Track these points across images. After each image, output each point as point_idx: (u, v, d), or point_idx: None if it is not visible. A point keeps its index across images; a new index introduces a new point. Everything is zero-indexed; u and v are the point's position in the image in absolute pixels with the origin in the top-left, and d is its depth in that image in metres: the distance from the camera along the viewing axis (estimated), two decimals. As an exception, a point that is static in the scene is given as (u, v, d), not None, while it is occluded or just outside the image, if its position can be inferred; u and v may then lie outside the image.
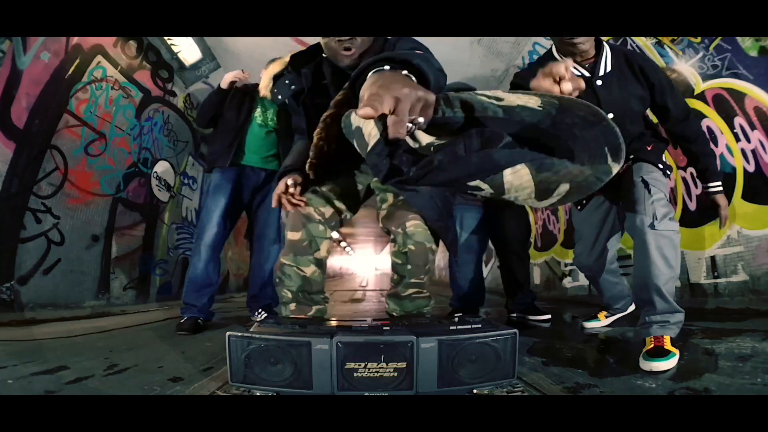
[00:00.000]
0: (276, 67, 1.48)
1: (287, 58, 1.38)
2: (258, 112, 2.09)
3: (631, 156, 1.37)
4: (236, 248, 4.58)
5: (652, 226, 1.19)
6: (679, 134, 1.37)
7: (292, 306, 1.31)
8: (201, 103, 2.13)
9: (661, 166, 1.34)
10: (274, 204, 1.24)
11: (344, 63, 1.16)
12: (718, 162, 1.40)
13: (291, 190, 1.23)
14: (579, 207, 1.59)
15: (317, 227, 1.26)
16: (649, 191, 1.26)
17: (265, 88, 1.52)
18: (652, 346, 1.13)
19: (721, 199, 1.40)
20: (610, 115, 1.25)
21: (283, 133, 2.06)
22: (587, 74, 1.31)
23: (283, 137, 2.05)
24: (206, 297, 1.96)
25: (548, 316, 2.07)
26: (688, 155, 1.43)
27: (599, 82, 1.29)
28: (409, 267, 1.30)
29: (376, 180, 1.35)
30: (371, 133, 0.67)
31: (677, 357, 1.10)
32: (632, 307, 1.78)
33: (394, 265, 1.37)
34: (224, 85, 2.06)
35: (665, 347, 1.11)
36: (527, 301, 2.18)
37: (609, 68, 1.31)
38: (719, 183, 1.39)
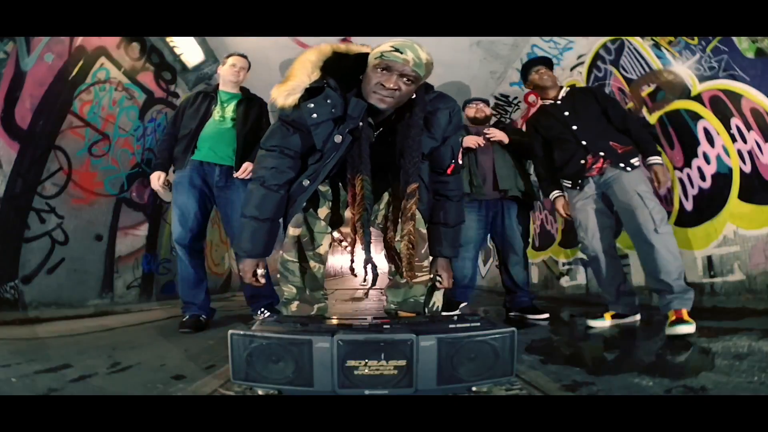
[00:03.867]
0: (309, 67, 1.11)
1: (315, 56, 1.13)
2: (216, 109, 2.05)
3: (601, 154, 1.76)
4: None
5: (656, 231, 1.57)
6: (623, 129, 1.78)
7: (294, 306, 1.33)
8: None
9: (636, 164, 1.70)
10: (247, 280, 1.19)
11: (381, 106, 1.08)
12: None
13: (261, 280, 1.18)
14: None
15: (318, 223, 1.28)
16: (646, 204, 1.61)
17: (285, 96, 1.09)
18: (675, 318, 1.48)
19: (658, 169, 1.69)
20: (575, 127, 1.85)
21: (241, 126, 2.04)
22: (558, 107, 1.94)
23: (241, 131, 2.03)
24: (202, 293, 1.98)
25: (546, 315, 2.12)
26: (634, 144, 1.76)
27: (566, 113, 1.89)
28: (410, 251, 1.24)
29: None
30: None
31: (694, 326, 1.43)
32: (638, 316, 1.82)
33: (393, 255, 1.31)
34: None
35: (684, 318, 1.46)
36: (526, 300, 2.23)
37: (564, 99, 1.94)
38: (659, 158, 1.71)
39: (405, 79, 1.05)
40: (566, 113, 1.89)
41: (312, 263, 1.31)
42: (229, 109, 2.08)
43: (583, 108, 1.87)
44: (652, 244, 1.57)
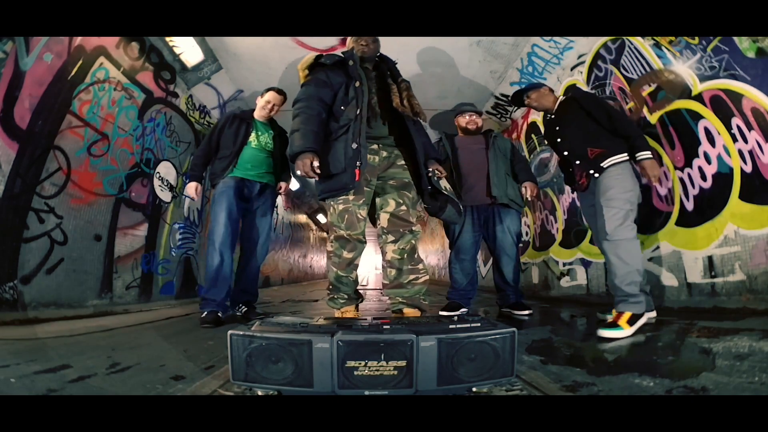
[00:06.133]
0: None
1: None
2: (253, 137, 2.32)
3: (577, 162, 1.86)
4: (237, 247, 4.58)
5: (606, 239, 1.67)
6: (610, 129, 1.79)
7: (347, 309, 1.78)
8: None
9: (604, 166, 1.73)
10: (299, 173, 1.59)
11: (363, 53, 1.83)
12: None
13: (317, 170, 1.57)
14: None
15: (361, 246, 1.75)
16: (603, 213, 1.69)
17: (303, 62, 1.82)
18: (611, 320, 1.58)
19: (647, 164, 1.68)
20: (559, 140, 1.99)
21: (278, 156, 2.41)
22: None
23: (278, 159, 2.42)
24: (224, 292, 2.15)
25: (529, 311, 2.35)
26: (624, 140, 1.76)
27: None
28: (407, 258, 1.73)
29: (376, 184, 1.78)
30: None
31: (625, 332, 1.52)
32: (652, 314, 1.83)
33: (392, 261, 1.77)
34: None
35: (618, 323, 1.55)
36: (513, 297, 2.42)
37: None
38: (647, 153, 1.70)
39: (371, 41, 1.83)
40: (557, 128, 1.99)
41: (354, 273, 1.79)
42: (264, 139, 2.38)
43: (567, 120, 1.93)
44: (604, 250, 1.71)
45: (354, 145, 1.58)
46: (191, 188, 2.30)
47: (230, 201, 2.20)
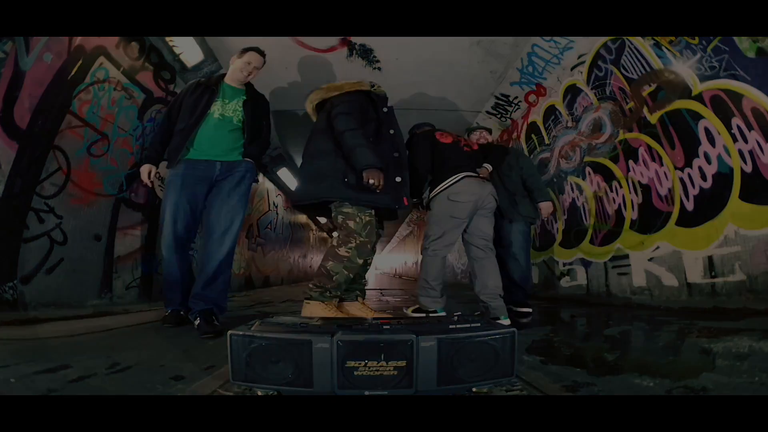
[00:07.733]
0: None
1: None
2: (217, 105, 1.98)
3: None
4: (237, 247, 4.57)
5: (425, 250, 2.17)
6: None
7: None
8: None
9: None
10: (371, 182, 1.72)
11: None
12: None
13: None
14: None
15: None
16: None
17: (352, 84, 2.00)
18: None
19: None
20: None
21: (249, 125, 2.03)
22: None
23: (249, 127, 2.02)
24: (180, 292, 1.95)
25: (530, 310, 2.35)
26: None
27: None
28: (364, 269, 2.16)
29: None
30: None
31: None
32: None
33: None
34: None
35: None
36: (518, 296, 2.39)
37: None
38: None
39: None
40: None
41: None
42: (231, 108, 2.01)
43: None
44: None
45: (398, 179, 1.87)
46: (144, 172, 1.96)
47: (177, 194, 1.89)
